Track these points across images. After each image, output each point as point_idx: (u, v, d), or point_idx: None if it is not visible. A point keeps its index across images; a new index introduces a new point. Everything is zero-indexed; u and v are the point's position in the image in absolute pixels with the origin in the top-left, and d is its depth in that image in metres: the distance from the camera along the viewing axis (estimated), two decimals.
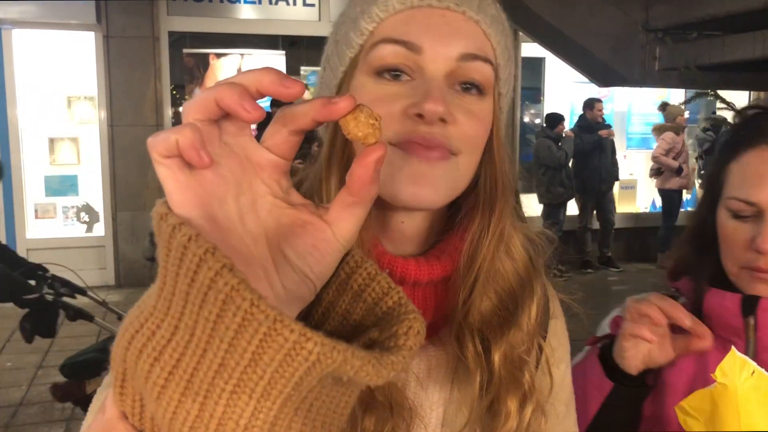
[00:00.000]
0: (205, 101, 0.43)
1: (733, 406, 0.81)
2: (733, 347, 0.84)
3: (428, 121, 0.64)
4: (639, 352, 0.95)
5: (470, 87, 0.68)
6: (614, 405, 0.97)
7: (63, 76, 7.08)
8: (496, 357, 0.71)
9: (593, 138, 7.88)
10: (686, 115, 9.25)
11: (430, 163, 0.65)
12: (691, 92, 3.11)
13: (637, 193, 9.21)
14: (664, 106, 8.46)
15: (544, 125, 7.91)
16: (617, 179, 8.31)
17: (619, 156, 8.38)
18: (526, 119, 9.08)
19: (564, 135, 7.73)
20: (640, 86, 3.72)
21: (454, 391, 0.76)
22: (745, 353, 0.98)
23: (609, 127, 8.05)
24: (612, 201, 8.30)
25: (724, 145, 1.04)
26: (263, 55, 7.84)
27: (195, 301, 0.40)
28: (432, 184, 0.66)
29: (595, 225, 8.29)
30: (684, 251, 1.09)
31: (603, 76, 3.82)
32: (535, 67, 8.59)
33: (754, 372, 0.81)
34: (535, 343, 0.77)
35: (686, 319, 0.91)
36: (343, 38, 0.69)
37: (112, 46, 6.95)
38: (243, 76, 0.43)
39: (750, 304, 0.97)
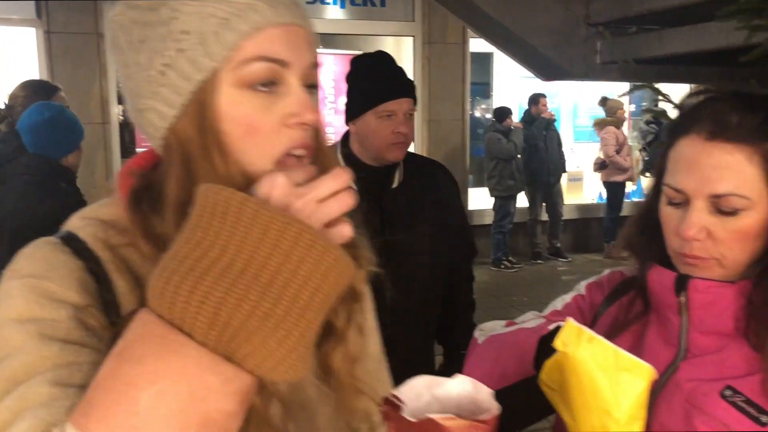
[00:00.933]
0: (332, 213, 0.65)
1: (575, 373, 0.84)
2: (569, 318, 0.85)
3: (305, 129, 0.76)
4: None
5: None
6: (528, 389, 0.96)
7: (4, 72, 6.88)
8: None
9: (541, 125, 8.03)
10: (632, 108, 9.47)
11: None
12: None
13: (584, 184, 9.40)
14: (604, 101, 8.65)
15: (493, 119, 8.02)
16: (565, 171, 8.47)
17: (566, 149, 8.54)
18: (477, 114, 9.17)
19: (513, 127, 7.85)
20: (583, 80, 3.80)
21: None
22: (679, 331, 1.02)
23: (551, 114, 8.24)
24: (560, 193, 8.46)
25: (667, 132, 1.05)
26: None
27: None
28: None
29: (545, 216, 8.44)
30: (629, 231, 1.11)
31: (546, 71, 3.89)
32: (483, 62, 8.69)
33: (591, 339, 0.83)
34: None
35: None
36: (193, 45, 0.72)
37: (54, 43, 6.79)
38: (332, 186, 0.65)
39: (682, 283, 0.99)
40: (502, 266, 8.03)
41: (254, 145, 0.73)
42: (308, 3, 7.39)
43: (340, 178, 0.65)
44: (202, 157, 0.73)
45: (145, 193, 0.77)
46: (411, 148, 2.19)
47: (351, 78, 2.17)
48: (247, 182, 0.69)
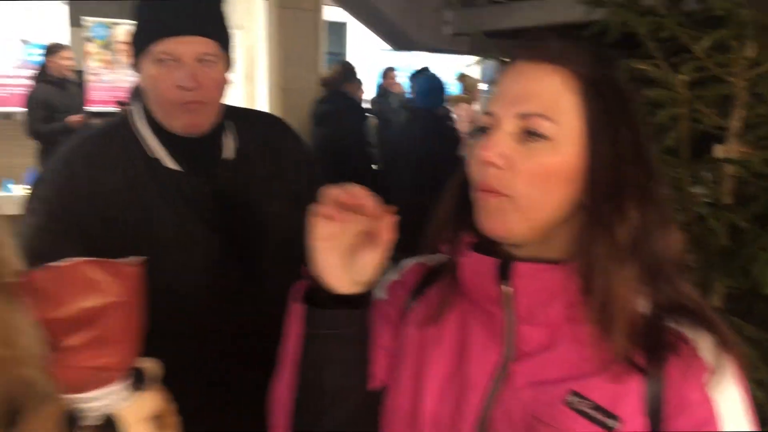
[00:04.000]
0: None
1: None
2: None
3: None
4: (331, 245, 0.84)
5: None
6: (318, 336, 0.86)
7: None
8: None
9: (394, 100, 7.97)
10: (484, 87, 9.66)
11: None
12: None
13: None
14: (462, 77, 8.75)
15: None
16: None
17: None
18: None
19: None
20: (433, 51, 3.74)
21: None
22: (504, 326, 0.87)
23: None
24: None
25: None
26: (43, 5, 7.08)
27: None
28: None
29: None
30: (442, 210, 0.96)
31: (395, 39, 3.79)
32: (337, 32, 8.49)
33: None
34: None
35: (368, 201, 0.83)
36: None
37: None
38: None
39: (504, 270, 0.84)
40: None
41: None
42: None
43: None
44: None
45: None
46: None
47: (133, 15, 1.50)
48: None
